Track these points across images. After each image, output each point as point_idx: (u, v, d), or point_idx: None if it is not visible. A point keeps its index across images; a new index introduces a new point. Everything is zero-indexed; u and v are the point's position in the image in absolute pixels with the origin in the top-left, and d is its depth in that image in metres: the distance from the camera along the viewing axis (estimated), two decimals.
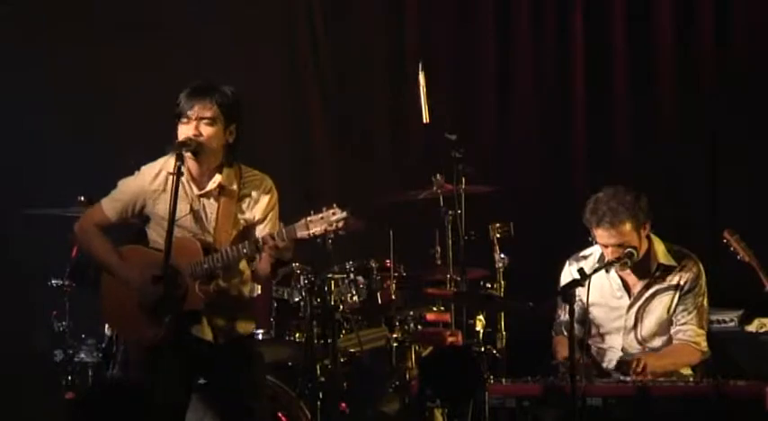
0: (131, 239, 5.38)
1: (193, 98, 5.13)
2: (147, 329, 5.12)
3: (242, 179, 5.25)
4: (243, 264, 5.30)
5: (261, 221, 5.24)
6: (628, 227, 5.62)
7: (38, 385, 6.99)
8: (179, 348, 5.11)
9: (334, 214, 4.93)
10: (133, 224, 5.41)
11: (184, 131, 5.12)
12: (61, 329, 6.54)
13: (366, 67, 8.05)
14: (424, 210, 6.78)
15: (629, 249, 5.64)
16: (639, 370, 5.51)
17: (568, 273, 5.86)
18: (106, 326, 6.43)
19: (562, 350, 5.72)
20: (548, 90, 7.94)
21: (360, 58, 8.04)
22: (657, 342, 5.79)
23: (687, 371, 5.78)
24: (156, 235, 5.26)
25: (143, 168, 5.31)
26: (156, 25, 7.63)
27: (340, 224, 4.93)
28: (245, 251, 5.07)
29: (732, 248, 6.12)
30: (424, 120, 6.66)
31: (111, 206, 5.33)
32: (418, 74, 6.66)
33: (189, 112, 5.11)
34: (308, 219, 4.96)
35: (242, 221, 5.22)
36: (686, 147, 7.72)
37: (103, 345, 6.52)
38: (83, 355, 6.57)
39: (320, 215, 4.95)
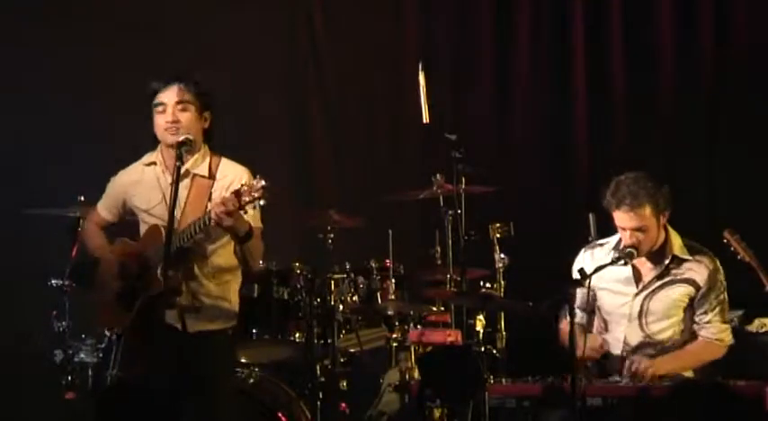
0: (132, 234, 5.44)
1: (164, 84, 5.22)
2: (119, 317, 5.21)
3: (220, 167, 5.26)
4: (225, 257, 5.28)
5: None
6: (647, 211, 5.63)
7: (38, 385, 6.99)
8: (152, 337, 5.15)
9: (256, 183, 4.93)
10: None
11: (161, 120, 5.18)
12: (61, 329, 6.54)
13: (366, 67, 8.05)
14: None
15: (629, 249, 5.65)
16: (648, 377, 5.50)
17: (581, 260, 5.88)
18: None
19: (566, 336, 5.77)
20: (548, 90, 7.94)
21: (360, 58, 8.04)
22: (661, 335, 5.77)
23: (687, 371, 5.79)
24: (142, 227, 5.34)
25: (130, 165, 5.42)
26: (156, 25, 7.63)
27: (258, 193, 4.90)
28: (192, 230, 5.06)
29: (732, 248, 6.12)
30: (424, 120, 6.66)
31: (102, 205, 5.48)
32: (418, 74, 6.66)
33: (164, 99, 5.17)
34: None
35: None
36: (686, 147, 7.72)
37: (103, 345, 6.53)
38: (83, 355, 6.57)
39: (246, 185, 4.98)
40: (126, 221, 5.49)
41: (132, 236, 5.39)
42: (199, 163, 5.24)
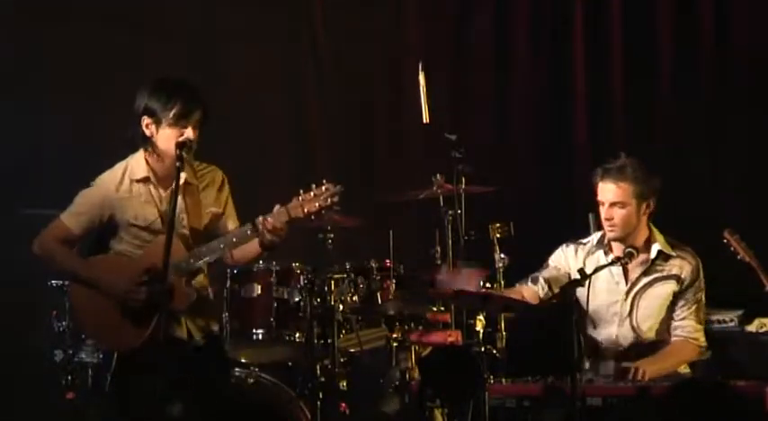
0: (91, 249, 5.38)
1: (193, 102, 5.18)
2: (130, 334, 5.12)
3: (197, 173, 5.29)
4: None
5: (221, 214, 5.30)
6: (629, 189, 5.70)
7: (38, 385, 6.98)
8: (162, 349, 5.12)
9: (327, 190, 4.93)
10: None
11: (186, 135, 5.14)
12: (61, 329, 6.53)
13: (366, 67, 8.04)
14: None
15: (629, 249, 5.67)
16: (639, 378, 5.52)
17: (562, 251, 5.95)
18: None
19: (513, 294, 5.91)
20: (547, 90, 7.94)
21: (360, 59, 8.04)
22: (651, 333, 5.79)
23: (686, 371, 5.79)
24: (124, 244, 5.28)
25: (101, 177, 5.35)
26: (156, 25, 7.63)
27: (334, 199, 4.92)
28: (234, 240, 5.06)
29: (732, 248, 6.13)
30: (424, 120, 6.66)
31: (74, 220, 5.35)
32: (418, 74, 6.66)
33: (193, 117, 5.14)
34: (301, 198, 4.96)
35: (207, 213, 5.27)
36: (686, 148, 7.72)
37: None
38: (83, 355, 6.56)
39: (312, 193, 4.95)
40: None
41: (98, 249, 5.36)
42: (186, 173, 5.25)
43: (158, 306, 5.03)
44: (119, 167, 5.31)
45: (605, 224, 5.75)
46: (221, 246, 5.12)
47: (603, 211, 5.73)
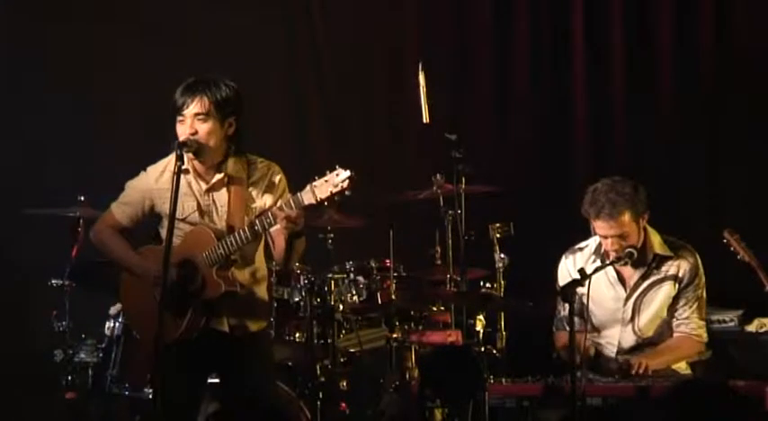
0: (150, 240, 5.39)
1: (186, 95, 5.14)
2: (168, 327, 5.10)
3: (250, 167, 5.25)
4: (259, 259, 5.28)
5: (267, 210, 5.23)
6: (627, 217, 5.65)
7: (38, 385, 6.99)
8: (199, 342, 5.12)
9: (337, 175, 4.90)
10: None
11: (181, 130, 5.14)
12: (61, 329, 6.54)
13: (366, 67, 8.05)
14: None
15: (629, 249, 5.66)
16: (641, 372, 5.52)
17: (564, 267, 5.90)
18: (106, 325, 6.45)
19: (563, 343, 5.76)
20: (547, 90, 7.94)
21: (360, 58, 8.04)
22: (654, 334, 5.79)
23: (686, 371, 5.79)
24: (166, 232, 5.27)
25: (148, 168, 5.33)
26: (156, 25, 7.64)
27: (345, 184, 4.89)
28: (256, 227, 5.04)
29: (732, 248, 6.12)
30: (424, 120, 6.66)
31: (120, 210, 5.33)
32: (418, 74, 6.66)
33: (183, 110, 5.13)
34: (313, 184, 4.92)
35: (255, 209, 5.21)
36: (686, 147, 7.72)
37: (103, 345, 6.53)
38: (83, 355, 6.57)
39: (324, 178, 4.91)
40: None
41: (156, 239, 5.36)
42: (231, 167, 5.22)
43: (186, 295, 5.02)
44: (165, 160, 5.28)
45: (612, 252, 5.71)
46: (239, 237, 5.09)
47: (609, 243, 5.68)
